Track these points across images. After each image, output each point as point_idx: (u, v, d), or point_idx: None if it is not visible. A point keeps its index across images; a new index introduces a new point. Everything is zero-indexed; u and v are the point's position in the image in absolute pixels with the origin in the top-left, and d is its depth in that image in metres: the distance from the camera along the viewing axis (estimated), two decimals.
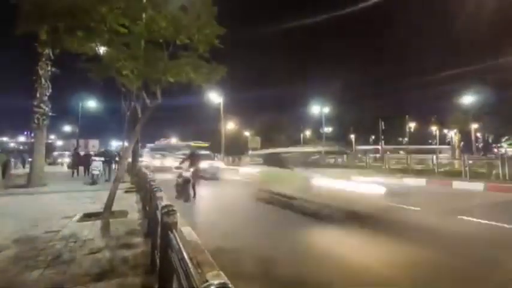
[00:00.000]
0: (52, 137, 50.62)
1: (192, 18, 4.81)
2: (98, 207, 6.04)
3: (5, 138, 56.69)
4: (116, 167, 14.98)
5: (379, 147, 46.80)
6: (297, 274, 3.33)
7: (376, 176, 7.24)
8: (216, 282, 1.07)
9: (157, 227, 2.77)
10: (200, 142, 32.60)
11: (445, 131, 45.74)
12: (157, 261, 2.45)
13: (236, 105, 47.61)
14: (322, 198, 5.77)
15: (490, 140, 48.15)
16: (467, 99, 26.27)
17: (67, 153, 32.30)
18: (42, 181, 10.96)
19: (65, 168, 20.78)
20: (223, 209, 7.78)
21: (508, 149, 35.05)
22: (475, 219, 5.96)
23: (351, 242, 4.53)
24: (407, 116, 51.18)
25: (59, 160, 31.55)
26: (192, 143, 30.15)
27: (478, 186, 11.15)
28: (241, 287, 2.65)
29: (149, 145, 35.26)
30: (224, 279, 2.64)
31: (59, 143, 56.94)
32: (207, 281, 1.12)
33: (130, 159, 14.03)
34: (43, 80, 10.99)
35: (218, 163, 19.72)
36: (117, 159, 14.31)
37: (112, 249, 3.83)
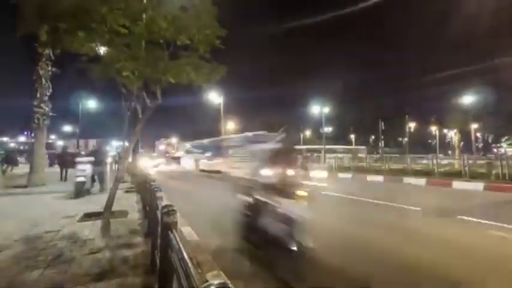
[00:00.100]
0: (52, 137, 50.61)
1: (192, 18, 4.81)
2: (98, 207, 6.05)
3: (5, 138, 56.69)
4: (116, 167, 14.86)
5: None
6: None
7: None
8: (216, 282, 1.08)
9: (157, 227, 2.77)
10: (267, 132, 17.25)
11: (445, 131, 45.72)
12: (158, 261, 2.46)
13: (236, 105, 47.56)
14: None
15: (490, 140, 48.13)
16: (467, 99, 26.25)
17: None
18: (43, 181, 10.97)
19: None
20: None
21: (507, 149, 35.03)
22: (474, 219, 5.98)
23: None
24: (407, 116, 51.16)
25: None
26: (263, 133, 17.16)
27: (477, 186, 11.17)
28: None
29: (192, 143, 28.56)
30: (224, 279, 2.66)
31: (59, 143, 56.94)
32: (207, 280, 1.12)
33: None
34: (43, 80, 11.01)
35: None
36: (108, 161, 11.64)
37: (112, 249, 3.84)
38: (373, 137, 61.04)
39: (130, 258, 3.49)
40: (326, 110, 32.42)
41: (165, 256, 2.11)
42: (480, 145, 44.06)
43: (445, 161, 18.54)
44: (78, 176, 8.62)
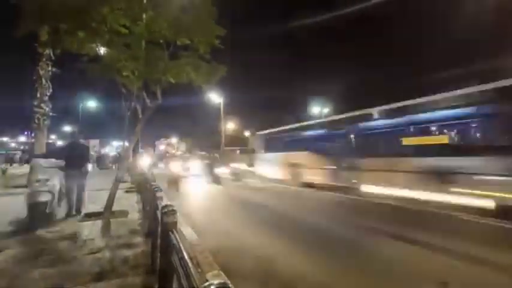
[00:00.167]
0: (53, 137, 50.64)
1: (192, 18, 4.82)
2: (98, 207, 6.05)
3: (5, 139, 56.71)
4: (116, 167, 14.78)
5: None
6: None
7: None
8: (216, 282, 1.09)
9: (158, 227, 2.78)
10: None
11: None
12: (158, 261, 2.46)
13: (236, 105, 47.54)
14: None
15: None
16: None
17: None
18: None
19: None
20: None
21: None
22: None
23: None
24: None
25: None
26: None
27: None
28: None
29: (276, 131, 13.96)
30: (224, 279, 2.66)
31: (60, 143, 56.99)
32: (207, 280, 1.13)
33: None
34: (43, 80, 11.02)
35: None
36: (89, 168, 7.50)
37: (112, 249, 3.85)
38: None
39: (131, 258, 3.49)
40: (326, 110, 32.46)
41: (165, 256, 2.12)
42: None
43: None
44: (35, 191, 4.93)
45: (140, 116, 5.29)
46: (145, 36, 4.72)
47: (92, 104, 28.62)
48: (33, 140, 11.98)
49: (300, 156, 11.60)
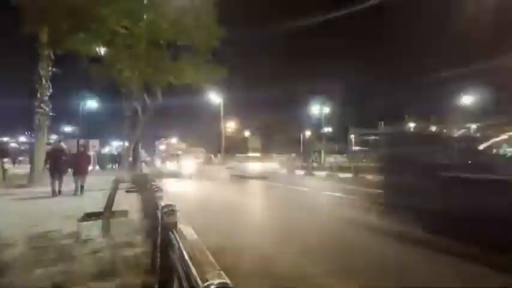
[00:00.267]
0: (53, 137, 50.64)
1: (192, 19, 4.83)
2: (99, 207, 6.06)
3: (5, 138, 56.72)
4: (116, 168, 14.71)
5: None
6: None
7: None
8: (216, 282, 1.09)
9: (158, 227, 2.79)
10: None
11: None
12: (158, 260, 2.47)
13: (236, 105, 47.50)
14: None
15: None
16: (467, 99, 26.29)
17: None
18: (43, 181, 10.99)
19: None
20: None
21: (507, 149, 35.04)
22: None
23: None
24: (406, 116, 51.13)
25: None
26: None
27: None
28: None
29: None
30: (225, 279, 2.66)
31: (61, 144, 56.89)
32: (207, 280, 1.14)
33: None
34: (44, 81, 11.03)
35: None
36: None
37: (113, 248, 3.85)
38: (373, 137, 61.03)
39: (131, 258, 3.50)
40: (326, 110, 32.46)
41: (166, 256, 2.13)
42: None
43: None
44: None
45: (140, 116, 5.30)
46: (146, 37, 4.73)
47: (92, 104, 28.61)
48: (33, 140, 11.98)
49: None
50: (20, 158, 25.22)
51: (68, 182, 9.08)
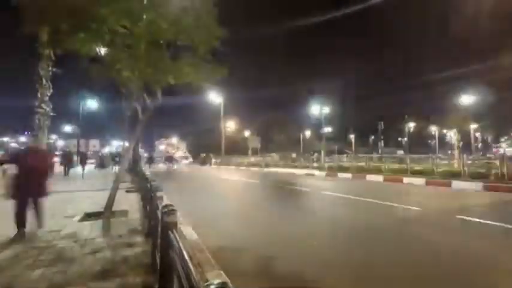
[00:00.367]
0: (53, 137, 50.59)
1: (192, 19, 4.83)
2: (99, 207, 6.07)
3: (5, 139, 56.69)
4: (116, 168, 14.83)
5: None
6: None
7: None
8: (216, 281, 1.10)
9: (158, 227, 2.79)
10: None
11: (444, 131, 45.75)
12: (158, 260, 2.48)
13: (236, 105, 47.51)
14: None
15: (489, 140, 48.12)
16: (467, 99, 26.26)
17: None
18: None
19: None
20: None
21: (507, 149, 35.04)
22: None
23: None
24: (406, 116, 51.15)
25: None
26: None
27: (476, 186, 11.16)
28: None
29: None
30: (225, 278, 2.67)
31: (60, 143, 57.01)
32: (207, 280, 1.14)
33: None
34: (44, 81, 11.01)
35: None
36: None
37: (113, 248, 3.86)
38: (372, 137, 61.03)
39: (131, 258, 3.51)
40: (326, 110, 32.42)
41: (166, 256, 2.13)
42: (479, 145, 44.08)
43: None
44: None
45: (140, 116, 5.30)
46: (145, 37, 4.73)
47: (92, 104, 28.62)
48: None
49: None
50: None
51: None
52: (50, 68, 11.16)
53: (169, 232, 2.13)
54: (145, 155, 39.15)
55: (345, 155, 32.98)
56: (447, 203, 8.56)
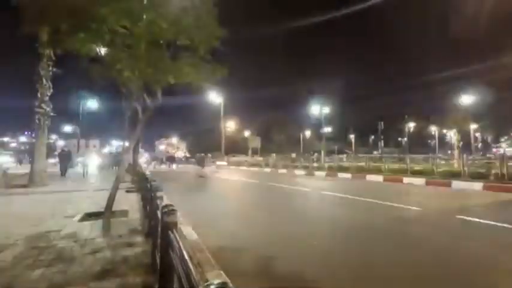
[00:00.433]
0: (53, 137, 50.62)
1: (192, 19, 4.84)
2: (99, 207, 6.07)
3: (6, 139, 56.71)
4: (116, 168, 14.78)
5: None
6: None
7: None
8: (216, 281, 1.10)
9: (158, 227, 2.79)
10: None
11: (444, 131, 45.78)
12: (158, 260, 2.48)
13: (236, 105, 47.56)
14: None
15: (489, 140, 48.16)
16: (467, 99, 26.27)
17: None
18: (44, 181, 11.00)
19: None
20: None
21: (507, 149, 35.05)
22: None
23: None
24: (406, 116, 51.18)
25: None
26: None
27: (476, 186, 11.18)
28: None
29: None
30: (225, 278, 2.68)
31: (60, 143, 57.02)
32: (207, 280, 1.14)
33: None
34: (44, 81, 11.03)
35: None
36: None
37: (113, 248, 3.86)
38: (372, 137, 61.06)
39: (131, 258, 3.50)
40: (326, 110, 32.43)
41: (166, 256, 2.13)
42: (479, 145, 44.11)
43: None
44: None
45: (140, 116, 5.30)
46: (145, 37, 4.73)
47: (92, 104, 28.62)
48: (33, 140, 11.99)
49: None
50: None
51: None
52: (50, 68, 11.16)
53: (170, 232, 2.13)
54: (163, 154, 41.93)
55: (344, 155, 33.04)
56: (447, 203, 8.56)
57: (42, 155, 11.34)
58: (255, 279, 3.27)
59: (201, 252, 3.68)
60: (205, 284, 1.10)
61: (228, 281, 1.17)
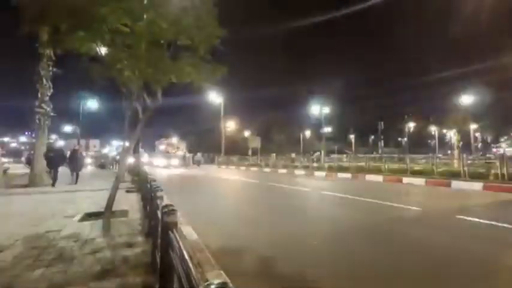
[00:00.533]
0: (53, 137, 50.58)
1: (192, 19, 4.84)
2: (99, 207, 6.07)
3: (6, 139, 56.70)
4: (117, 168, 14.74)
5: None
6: None
7: None
8: (216, 281, 1.10)
9: (158, 227, 2.79)
10: None
11: (444, 131, 45.78)
12: (158, 260, 2.48)
13: (236, 105, 47.54)
14: None
15: (489, 140, 48.15)
16: (467, 99, 26.27)
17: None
18: (44, 181, 11.00)
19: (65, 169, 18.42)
20: None
21: (507, 149, 35.04)
22: None
23: None
24: (406, 116, 51.19)
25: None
26: None
27: (476, 186, 11.18)
28: None
29: None
30: (225, 278, 2.68)
31: (60, 143, 57.02)
32: (207, 280, 1.14)
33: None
34: (44, 81, 11.04)
35: None
36: None
37: (113, 248, 3.86)
38: (372, 137, 61.04)
39: (131, 258, 3.51)
40: (326, 110, 32.43)
41: (166, 256, 2.13)
42: (479, 145, 44.11)
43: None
44: None
45: (140, 116, 5.30)
46: (146, 37, 4.73)
47: (92, 104, 28.60)
48: (34, 140, 11.99)
49: None
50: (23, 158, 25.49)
51: None
52: (50, 68, 11.17)
53: (170, 232, 2.13)
54: (194, 155, 41.40)
55: (344, 155, 33.02)
56: (447, 203, 8.56)
57: (43, 155, 11.34)
58: (255, 279, 3.27)
59: (201, 252, 3.68)
60: (205, 284, 1.10)
61: (228, 281, 1.17)
